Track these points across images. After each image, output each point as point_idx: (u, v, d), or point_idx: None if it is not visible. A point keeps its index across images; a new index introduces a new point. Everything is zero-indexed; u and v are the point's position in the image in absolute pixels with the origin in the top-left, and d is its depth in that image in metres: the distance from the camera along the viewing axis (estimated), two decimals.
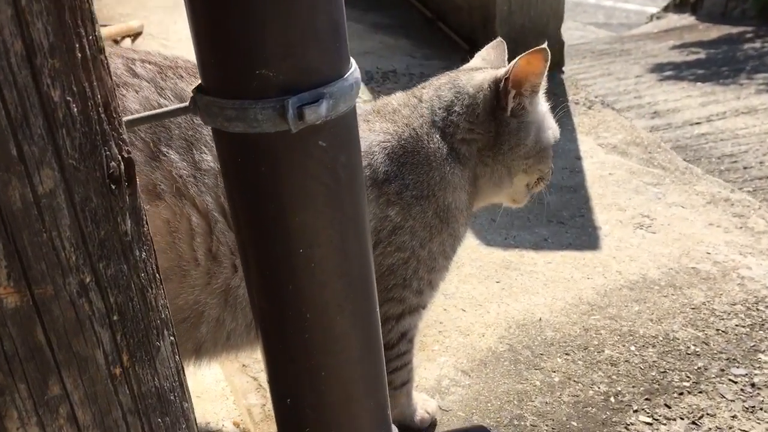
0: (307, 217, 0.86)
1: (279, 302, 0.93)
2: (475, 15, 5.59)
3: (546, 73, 1.47)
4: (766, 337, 2.21)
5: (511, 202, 1.69)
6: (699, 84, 7.50)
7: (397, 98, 1.59)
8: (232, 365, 1.81)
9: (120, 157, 0.75)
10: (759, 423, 1.84)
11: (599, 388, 1.94)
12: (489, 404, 1.85)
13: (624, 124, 4.43)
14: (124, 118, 0.80)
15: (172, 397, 0.89)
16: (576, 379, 1.96)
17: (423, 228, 1.45)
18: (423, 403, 1.74)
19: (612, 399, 1.90)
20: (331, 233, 0.89)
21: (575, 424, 1.79)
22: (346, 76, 0.83)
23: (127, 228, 0.76)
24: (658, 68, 8.52)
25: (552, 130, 1.61)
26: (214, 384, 1.75)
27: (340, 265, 0.92)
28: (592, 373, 1.99)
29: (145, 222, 0.81)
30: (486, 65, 1.68)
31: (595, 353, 2.08)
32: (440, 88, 1.57)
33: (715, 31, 10.56)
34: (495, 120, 1.50)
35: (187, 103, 0.84)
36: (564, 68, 5.61)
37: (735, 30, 10.34)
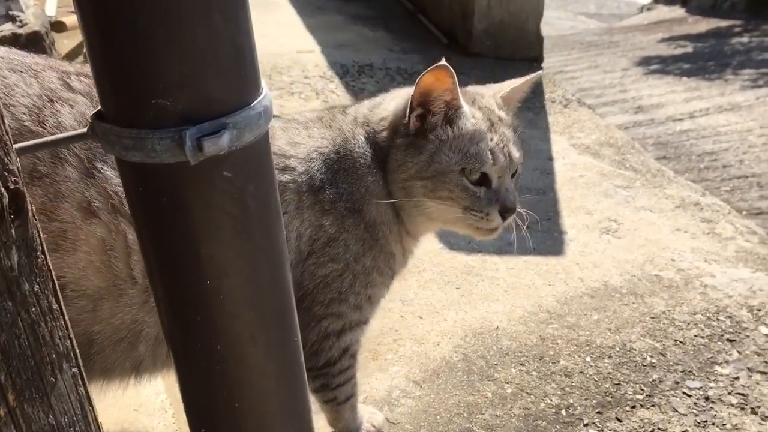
0: (214, 248, 0.83)
1: (189, 333, 0.90)
2: (455, 9, 5.55)
3: (454, 88, 1.36)
4: (724, 349, 2.20)
5: (470, 232, 1.51)
6: (684, 79, 7.53)
7: (340, 106, 1.57)
8: (174, 376, 1.77)
9: (4, 189, 0.71)
10: None
11: (551, 400, 1.92)
12: (438, 417, 1.82)
13: (599, 124, 4.41)
14: (16, 146, 0.76)
15: None
16: (528, 391, 1.95)
17: (356, 241, 1.42)
18: (369, 417, 1.72)
19: (563, 412, 1.88)
20: (241, 264, 0.86)
21: None
22: (253, 104, 0.79)
23: (12, 263, 0.72)
24: (644, 61, 8.55)
25: (467, 156, 1.39)
26: (153, 396, 1.71)
27: (251, 296, 0.89)
28: (546, 385, 1.98)
29: (40, 252, 0.78)
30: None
31: (550, 364, 2.07)
32: (376, 95, 1.57)
33: (704, 24, 10.60)
34: (395, 133, 1.44)
35: (85, 129, 0.80)
36: (543, 64, 5.57)
37: (724, 23, 10.38)
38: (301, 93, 4.23)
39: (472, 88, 1.59)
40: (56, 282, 0.84)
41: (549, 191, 3.30)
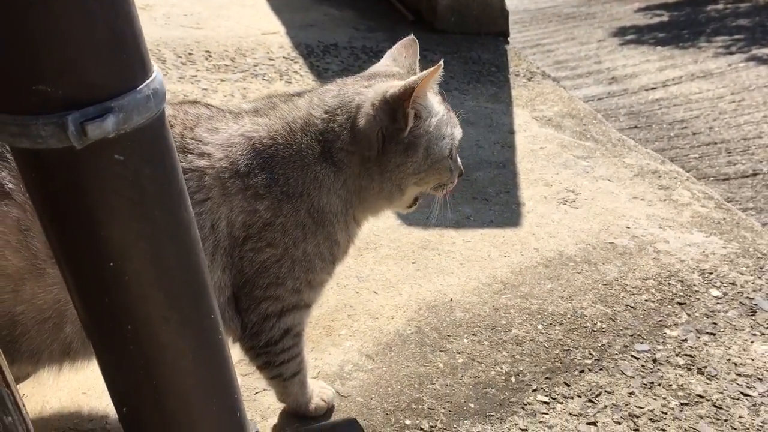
0: (114, 230, 0.84)
1: (99, 315, 0.92)
2: None
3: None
4: (673, 312, 2.25)
5: (404, 209, 1.65)
6: (659, 48, 7.55)
7: (279, 96, 1.55)
8: None
9: None
10: (655, 399, 1.87)
11: (501, 368, 1.96)
12: (389, 388, 1.86)
13: (562, 96, 4.44)
14: None
15: None
16: (479, 360, 1.98)
17: (295, 227, 1.42)
18: (320, 391, 1.75)
19: (513, 379, 1.92)
20: (143, 246, 0.88)
21: (473, 405, 1.81)
22: (139, 87, 0.80)
23: None
24: (620, 32, 8.58)
25: (449, 138, 1.52)
26: (102, 379, 1.73)
27: (158, 277, 0.91)
28: (497, 354, 2.01)
29: None
30: (396, 67, 1.62)
31: (502, 333, 2.10)
32: (325, 92, 1.51)
33: None
34: (379, 137, 1.44)
35: None
36: (510, 38, 5.58)
37: None
38: (265, 75, 4.22)
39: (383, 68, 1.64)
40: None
41: (509, 164, 3.32)
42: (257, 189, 1.37)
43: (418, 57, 1.67)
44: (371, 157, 1.46)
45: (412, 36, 1.68)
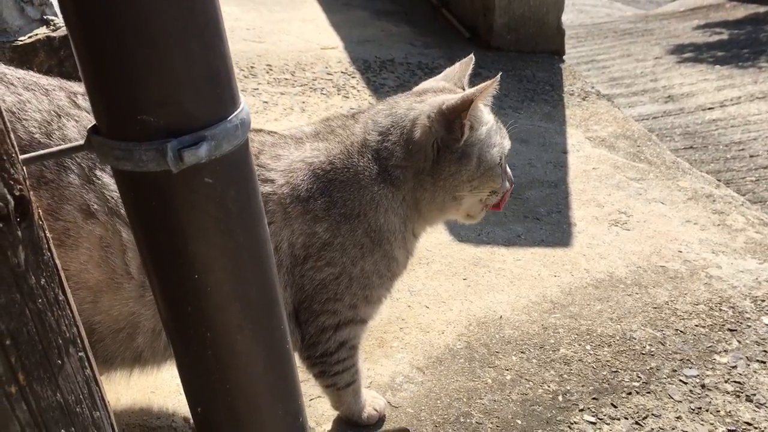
0: (200, 246, 0.93)
1: (181, 322, 1.01)
2: (476, 3, 5.61)
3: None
4: (724, 338, 2.26)
5: (465, 219, 1.69)
6: (717, 67, 7.44)
7: (337, 120, 1.63)
8: None
9: (10, 195, 0.82)
10: (703, 424, 1.89)
11: (549, 386, 2.00)
12: (438, 401, 1.92)
13: (616, 116, 4.44)
14: (22, 157, 0.87)
15: (78, 409, 0.97)
16: (527, 378, 2.03)
17: (353, 246, 1.50)
18: (372, 401, 1.82)
19: (560, 398, 1.96)
20: (225, 261, 0.96)
21: (520, 422, 1.86)
22: (229, 118, 0.89)
23: (19, 260, 0.83)
24: (678, 50, 8.47)
25: (498, 146, 1.58)
26: (169, 380, 1.84)
27: (235, 289, 0.99)
28: (544, 372, 2.05)
29: (46, 250, 0.89)
30: (443, 81, 1.71)
31: (550, 352, 2.14)
32: (378, 113, 1.59)
33: (741, 11, 10.44)
34: (434, 147, 1.52)
35: (82, 142, 0.90)
36: (564, 57, 5.59)
37: (762, 9, 10.21)
38: (323, 89, 4.34)
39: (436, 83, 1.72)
40: (63, 276, 0.95)
41: (561, 184, 3.35)
42: (316, 213, 1.46)
43: (470, 71, 1.75)
44: (425, 168, 1.54)
45: (471, 55, 1.76)
